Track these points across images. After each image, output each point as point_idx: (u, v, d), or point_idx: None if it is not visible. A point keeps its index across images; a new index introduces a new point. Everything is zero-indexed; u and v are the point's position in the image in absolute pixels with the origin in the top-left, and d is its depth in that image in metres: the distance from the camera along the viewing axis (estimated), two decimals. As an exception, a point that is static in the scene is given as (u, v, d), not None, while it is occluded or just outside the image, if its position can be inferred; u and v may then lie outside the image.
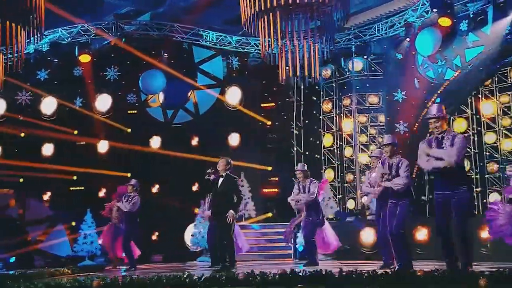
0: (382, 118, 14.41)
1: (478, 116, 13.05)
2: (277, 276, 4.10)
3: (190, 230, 12.31)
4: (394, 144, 6.70)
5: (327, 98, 14.90)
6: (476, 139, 13.08)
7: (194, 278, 4.25)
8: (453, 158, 5.30)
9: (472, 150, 13.14)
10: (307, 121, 15.09)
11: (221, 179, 7.51)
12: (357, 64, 14.30)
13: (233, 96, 14.20)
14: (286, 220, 12.75)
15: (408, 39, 12.42)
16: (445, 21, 11.26)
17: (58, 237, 13.83)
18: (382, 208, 7.55)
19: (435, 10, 11.11)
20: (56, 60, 13.20)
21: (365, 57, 13.89)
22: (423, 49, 13.20)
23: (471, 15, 12.34)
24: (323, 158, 14.74)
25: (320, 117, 14.94)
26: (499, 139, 12.70)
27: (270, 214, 14.15)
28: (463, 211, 5.43)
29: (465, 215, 5.48)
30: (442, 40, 12.84)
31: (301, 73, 10.65)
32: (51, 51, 13.13)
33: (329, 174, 14.37)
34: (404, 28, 12.66)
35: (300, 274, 4.17)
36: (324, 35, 10.81)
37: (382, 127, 14.29)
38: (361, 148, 14.31)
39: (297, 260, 11.19)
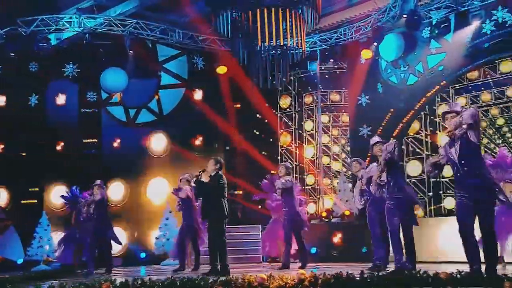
0: (345, 118, 14.54)
1: (432, 117, 13.44)
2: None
3: (155, 233, 11.98)
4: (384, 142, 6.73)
5: (285, 93, 14.84)
6: (429, 141, 13.47)
7: (210, 281, 4.08)
8: None
9: (425, 152, 13.51)
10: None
11: (209, 180, 7.31)
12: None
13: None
14: (251, 222, 12.76)
15: (375, 44, 12.55)
16: (412, 28, 11.46)
17: (10, 240, 13.10)
18: (375, 209, 7.59)
19: (404, 15, 11.26)
20: (13, 54, 12.51)
21: (332, 60, 13.98)
22: (386, 54, 13.46)
23: (434, 22, 12.72)
24: (279, 157, 14.67)
25: (278, 114, 14.93)
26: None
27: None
28: None
29: None
30: (405, 46, 13.21)
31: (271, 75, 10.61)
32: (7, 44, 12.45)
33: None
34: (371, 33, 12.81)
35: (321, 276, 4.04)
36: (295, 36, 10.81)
37: (344, 128, 14.43)
38: (323, 149, 14.38)
39: (266, 263, 11.09)
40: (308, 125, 14.55)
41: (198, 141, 14.13)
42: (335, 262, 10.40)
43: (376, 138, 7.10)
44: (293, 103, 14.83)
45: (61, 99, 13.86)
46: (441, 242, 10.02)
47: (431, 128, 13.39)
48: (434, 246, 10.07)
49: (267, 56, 10.89)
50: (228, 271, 7.02)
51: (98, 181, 9.39)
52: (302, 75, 14.62)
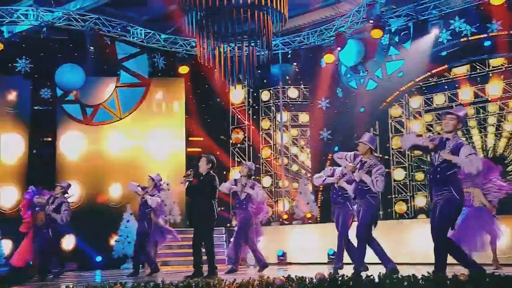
0: (305, 117, 14.71)
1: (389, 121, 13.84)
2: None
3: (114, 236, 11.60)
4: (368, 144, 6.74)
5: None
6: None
7: (227, 283, 3.95)
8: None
9: (379, 154, 13.88)
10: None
11: (200, 179, 7.08)
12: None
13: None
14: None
15: (339, 49, 12.76)
16: (377, 33, 11.74)
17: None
18: (339, 209, 7.68)
19: (371, 21, 11.51)
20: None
21: (295, 64, 14.09)
22: (347, 59, 13.74)
23: (393, 30, 13.11)
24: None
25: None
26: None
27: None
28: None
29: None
30: (364, 52, 13.53)
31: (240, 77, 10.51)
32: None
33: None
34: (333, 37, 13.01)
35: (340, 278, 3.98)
36: (262, 38, 10.75)
37: (303, 128, 14.58)
38: (292, 158, 14.47)
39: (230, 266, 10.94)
40: (264, 123, 14.55)
41: (157, 141, 13.78)
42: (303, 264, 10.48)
43: (365, 137, 6.94)
44: (246, 97, 14.74)
45: (12, 95, 13.23)
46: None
47: (391, 134, 13.77)
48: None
49: (234, 56, 10.77)
50: (216, 273, 6.87)
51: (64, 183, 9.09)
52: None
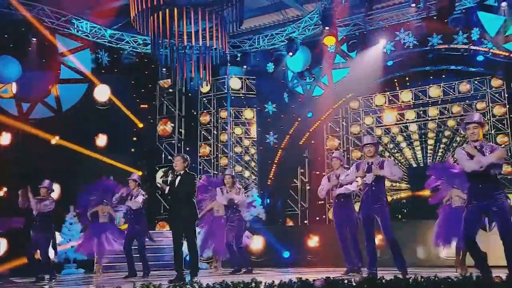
0: (254, 132, 14.74)
1: (347, 135, 14.26)
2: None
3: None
4: (376, 144, 6.72)
5: (205, 111, 14.71)
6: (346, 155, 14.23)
7: (266, 284, 3.79)
8: None
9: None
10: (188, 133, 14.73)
11: (178, 178, 6.76)
12: (235, 83, 14.42)
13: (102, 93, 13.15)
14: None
15: (291, 54, 12.92)
16: (330, 40, 12.02)
17: None
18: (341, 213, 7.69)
19: (326, 28, 11.75)
20: None
21: (245, 66, 14.08)
22: (294, 65, 13.98)
23: (340, 38, 13.45)
24: (199, 167, 14.44)
25: (198, 128, 14.71)
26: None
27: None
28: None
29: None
30: (311, 58, 13.81)
31: (195, 76, 10.33)
32: None
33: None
34: (283, 42, 13.16)
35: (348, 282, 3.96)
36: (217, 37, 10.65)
37: (255, 139, 14.59)
38: (236, 158, 14.41)
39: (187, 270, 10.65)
40: (223, 137, 14.51)
41: (100, 141, 13.20)
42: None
43: (369, 139, 6.81)
44: (212, 119, 14.65)
45: None
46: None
47: (347, 145, 14.16)
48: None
49: (188, 56, 10.59)
50: (197, 274, 6.66)
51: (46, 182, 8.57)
52: (219, 95, 14.56)
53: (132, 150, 14.16)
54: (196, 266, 6.81)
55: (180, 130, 14.62)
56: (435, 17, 11.93)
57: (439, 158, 12.62)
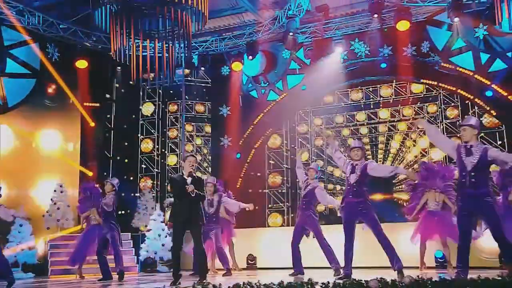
0: (208, 128, 14.64)
1: (292, 134, 14.48)
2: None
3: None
4: (363, 148, 6.93)
5: (148, 101, 14.41)
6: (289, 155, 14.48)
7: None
8: None
9: (284, 165, 14.49)
10: (124, 125, 14.33)
11: (189, 180, 6.48)
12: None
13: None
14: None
15: (251, 58, 13.00)
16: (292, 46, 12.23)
17: None
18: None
19: (290, 34, 11.92)
20: None
21: (203, 68, 14.00)
22: (248, 69, 14.09)
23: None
24: (140, 165, 14.14)
25: (140, 121, 14.39)
26: (312, 157, 14.32)
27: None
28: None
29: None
30: (266, 63, 13.99)
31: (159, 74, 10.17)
32: None
33: (145, 183, 13.91)
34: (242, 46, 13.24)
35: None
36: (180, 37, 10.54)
37: (207, 137, 14.52)
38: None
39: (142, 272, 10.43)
40: (172, 132, 14.25)
41: (48, 138, 12.62)
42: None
43: (356, 143, 7.02)
44: (156, 111, 14.36)
45: None
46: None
47: (292, 145, 14.40)
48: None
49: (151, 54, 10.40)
50: (206, 276, 6.42)
51: None
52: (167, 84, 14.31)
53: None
54: (206, 268, 6.64)
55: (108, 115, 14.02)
56: (385, 30, 12.55)
57: (389, 161, 13.14)
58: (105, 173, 13.16)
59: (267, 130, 14.10)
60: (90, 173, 12.75)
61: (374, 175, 6.62)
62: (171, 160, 14.15)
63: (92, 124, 13.12)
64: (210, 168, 14.37)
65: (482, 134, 12.00)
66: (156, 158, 14.17)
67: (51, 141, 12.62)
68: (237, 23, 13.86)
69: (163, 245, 10.38)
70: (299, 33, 13.18)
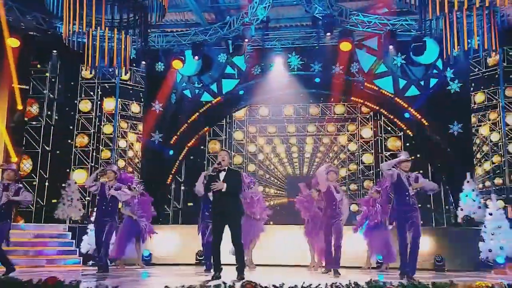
0: (141, 127, 14.53)
1: (230, 141, 14.93)
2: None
3: None
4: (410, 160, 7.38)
5: (86, 98, 14.04)
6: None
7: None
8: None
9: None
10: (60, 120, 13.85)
11: (223, 174, 6.48)
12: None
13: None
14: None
15: (196, 58, 13.23)
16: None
17: None
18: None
19: (246, 40, 12.35)
20: None
21: (143, 63, 13.89)
22: (184, 68, 14.26)
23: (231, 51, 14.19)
24: (72, 157, 13.68)
25: (76, 116, 13.94)
26: (245, 161, 14.85)
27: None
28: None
29: None
30: (201, 65, 14.29)
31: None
32: None
33: (79, 175, 13.46)
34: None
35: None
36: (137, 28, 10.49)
37: (141, 135, 14.41)
38: (120, 152, 14.03)
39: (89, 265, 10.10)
40: (107, 128, 13.95)
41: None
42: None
43: (407, 155, 7.42)
44: (94, 108, 14.00)
45: None
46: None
47: (228, 150, 14.78)
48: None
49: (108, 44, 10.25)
50: (244, 270, 6.36)
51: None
52: (105, 83, 14.06)
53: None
54: (243, 262, 6.55)
55: (49, 113, 13.70)
56: (316, 47, 13.61)
57: (313, 169, 14.12)
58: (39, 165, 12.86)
59: (201, 130, 14.38)
60: (15, 158, 12.04)
61: (424, 186, 7.32)
62: (105, 154, 13.84)
63: (20, 106, 12.40)
64: (140, 164, 14.27)
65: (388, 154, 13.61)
66: (91, 152, 13.79)
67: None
68: (178, 20, 13.98)
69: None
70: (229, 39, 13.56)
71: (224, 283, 4.42)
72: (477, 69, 13.05)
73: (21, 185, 7.86)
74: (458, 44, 8.42)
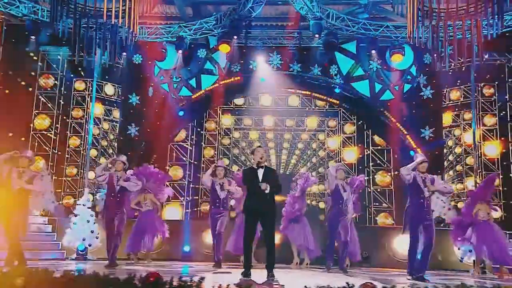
0: (116, 113, 14.26)
1: (202, 132, 14.93)
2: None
3: None
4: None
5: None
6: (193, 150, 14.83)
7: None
8: None
9: (188, 159, 14.83)
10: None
11: (261, 171, 6.36)
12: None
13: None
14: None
15: (180, 52, 13.14)
16: (225, 48, 12.72)
17: None
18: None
19: (235, 37, 12.35)
20: None
21: (124, 54, 13.65)
22: (163, 62, 14.14)
23: (211, 46, 14.22)
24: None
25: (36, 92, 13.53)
26: (218, 155, 14.89)
27: None
28: None
29: None
30: (181, 59, 14.21)
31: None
32: None
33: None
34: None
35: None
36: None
37: (115, 123, 14.14)
38: (101, 151, 13.77)
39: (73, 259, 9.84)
40: (77, 112, 13.57)
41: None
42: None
43: (423, 157, 7.44)
44: (57, 84, 13.52)
45: None
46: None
47: (196, 140, 14.78)
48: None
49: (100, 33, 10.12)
50: (273, 268, 6.22)
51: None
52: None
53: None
54: (274, 260, 6.31)
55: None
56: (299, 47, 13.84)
57: (291, 166, 14.38)
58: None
59: (180, 126, 14.32)
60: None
61: (440, 189, 7.39)
62: (74, 142, 13.45)
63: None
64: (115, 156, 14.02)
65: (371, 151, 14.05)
66: (53, 137, 13.31)
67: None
68: (163, 13, 13.86)
69: (92, 231, 9.85)
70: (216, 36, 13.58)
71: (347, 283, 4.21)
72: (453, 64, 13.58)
73: (36, 172, 7.61)
74: (436, 52, 8.87)
